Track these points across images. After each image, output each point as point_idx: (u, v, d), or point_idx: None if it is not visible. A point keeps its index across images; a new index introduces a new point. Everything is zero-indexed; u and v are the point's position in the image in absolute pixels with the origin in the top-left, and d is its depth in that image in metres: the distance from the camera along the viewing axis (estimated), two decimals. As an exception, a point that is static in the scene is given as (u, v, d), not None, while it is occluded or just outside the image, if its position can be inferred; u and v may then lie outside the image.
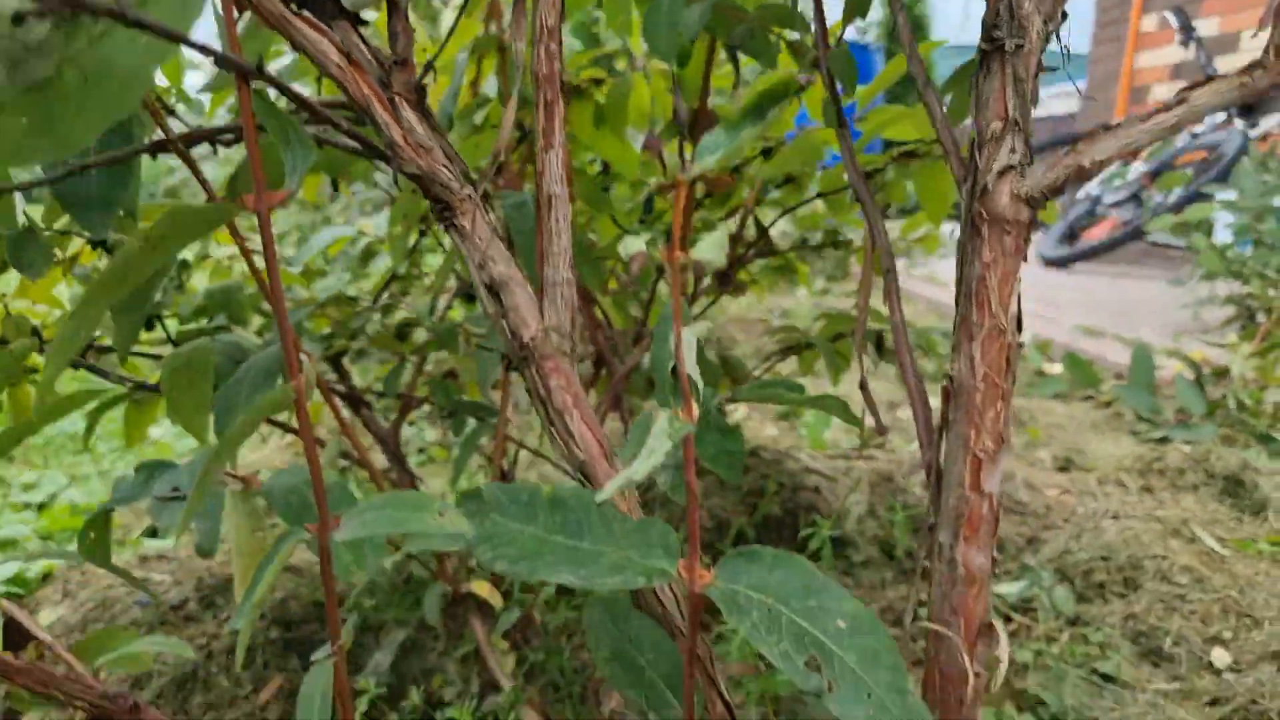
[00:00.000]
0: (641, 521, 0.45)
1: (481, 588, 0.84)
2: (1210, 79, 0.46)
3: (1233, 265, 2.35)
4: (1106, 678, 0.91)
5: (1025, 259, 0.48)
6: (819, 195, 1.11)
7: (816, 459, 1.53)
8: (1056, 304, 3.33)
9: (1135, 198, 4.08)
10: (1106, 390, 2.25)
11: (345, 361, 1.11)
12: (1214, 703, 0.86)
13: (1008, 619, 1.06)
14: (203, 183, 0.72)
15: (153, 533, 1.57)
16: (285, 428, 0.92)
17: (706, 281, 1.22)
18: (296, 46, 0.51)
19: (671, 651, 0.49)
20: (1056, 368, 2.56)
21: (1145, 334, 2.81)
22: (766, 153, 1.22)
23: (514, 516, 0.45)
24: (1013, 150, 0.47)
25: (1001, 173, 0.47)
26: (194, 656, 0.52)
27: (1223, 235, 2.54)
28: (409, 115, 0.54)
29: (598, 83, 1.08)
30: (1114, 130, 0.46)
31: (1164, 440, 1.79)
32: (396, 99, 0.54)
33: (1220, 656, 0.93)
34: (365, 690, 0.80)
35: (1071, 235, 4.42)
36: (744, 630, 0.40)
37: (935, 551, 0.50)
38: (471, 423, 1.01)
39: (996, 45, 0.47)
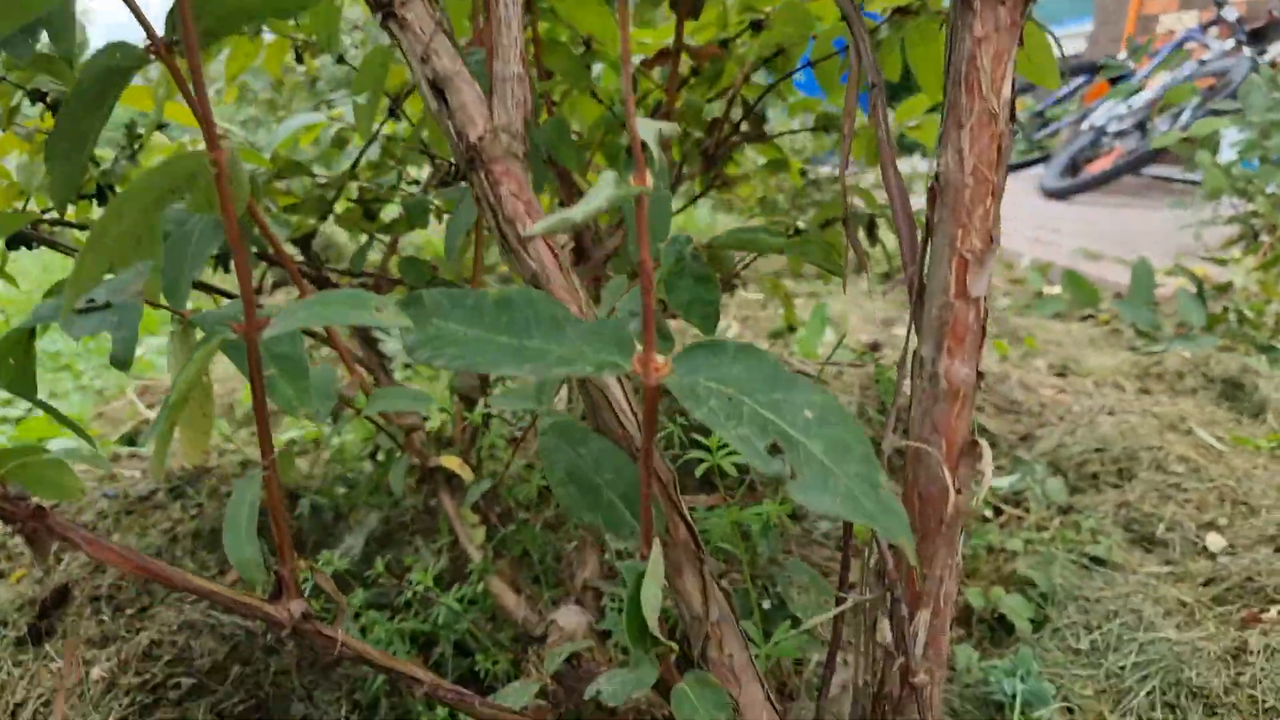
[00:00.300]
0: (596, 322, 0.41)
1: (451, 461, 0.80)
2: None
3: (1238, 183, 2.29)
4: (1097, 560, 0.89)
5: (1021, 42, 0.44)
6: (808, 64, 1.05)
7: (808, 364, 1.49)
8: (1058, 231, 3.27)
9: (1140, 127, 3.99)
10: (1106, 310, 2.21)
11: (314, 247, 1.06)
12: (1208, 583, 0.84)
13: (998, 511, 1.04)
14: (144, 24, 0.67)
15: (130, 440, 1.53)
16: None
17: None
18: None
19: (631, 472, 0.45)
20: (1056, 289, 2.52)
21: (1147, 254, 2.76)
22: (756, 26, 1.16)
23: (457, 320, 0.41)
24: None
25: None
26: (110, 469, 0.49)
27: (1228, 155, 2.47)
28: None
29: (579, -50, 1.02)
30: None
31: (1163, 353, 1.75)
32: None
33: (1215, 541, 0.91)
34: (330, 562, 0.77)
35: (1074, 168, 4.34)
36: (701, 415, 0.36)
37: (916, 368, 0.46)
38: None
39: None
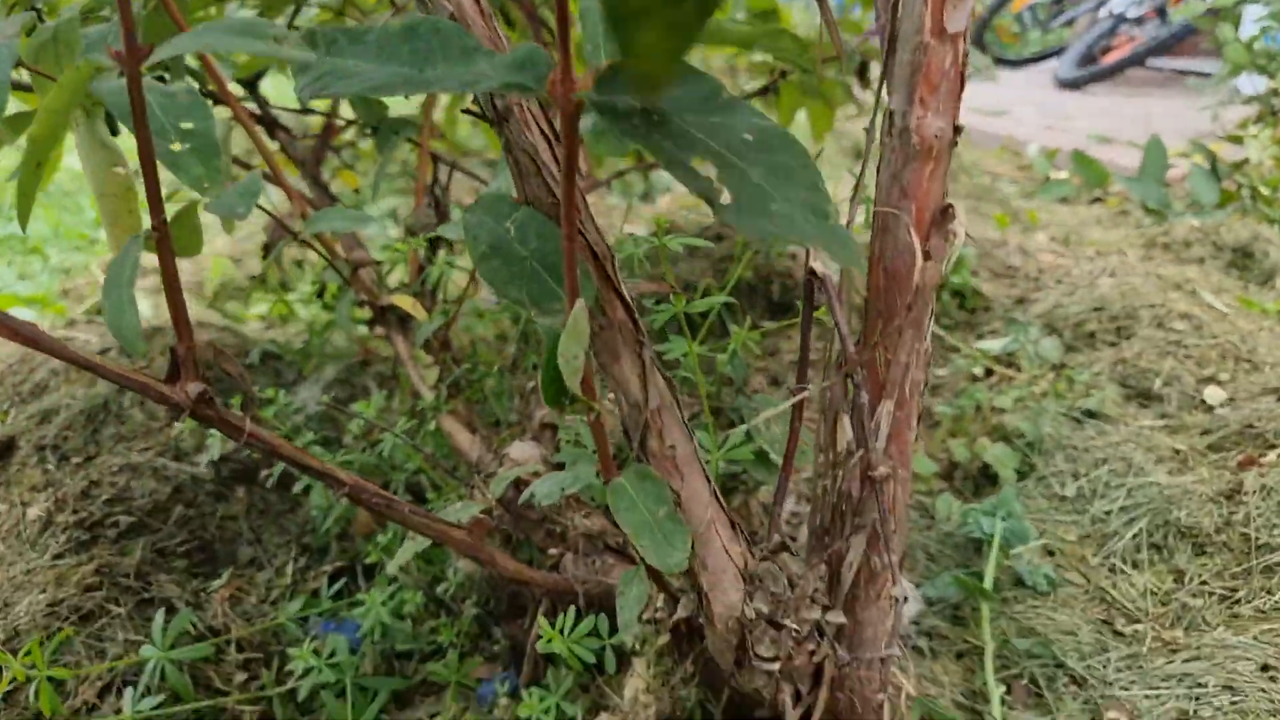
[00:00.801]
0: (510, 52, 0.35)
1: (403, 301, 0.76)
2: None
3: (1259, 59, 2.18)
4: (1090, 414, 0.85)
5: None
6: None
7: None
8: (1069, 117, 3.16)
9: (1161, 12, 3.81)
10: (1115, 193, 2.13)
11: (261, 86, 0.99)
12: (1205, 433, 0.80)
13: (989, 372, 0.99)
14: None
15: (97, 312, 1.47)
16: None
17: None
18: None
19: (558, 242, 0.40)
20: (1064, 175, 2.43)
21: (1163, 133, 2.65)
22: None
23: (356, 55, 0.36)
24: None
25: None
26: None
27: (1250, 31, 2.34)
28: None
29: None
30: None
31: (1167, 233, 1.68)
32: None
33: (1214, 394, 0.86)
34: (277, 403, 0.73)
35: (1090, 57, 4.17)
36: (623, 133, 0.31)
37: (886, 125, 0.41)
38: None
39: None
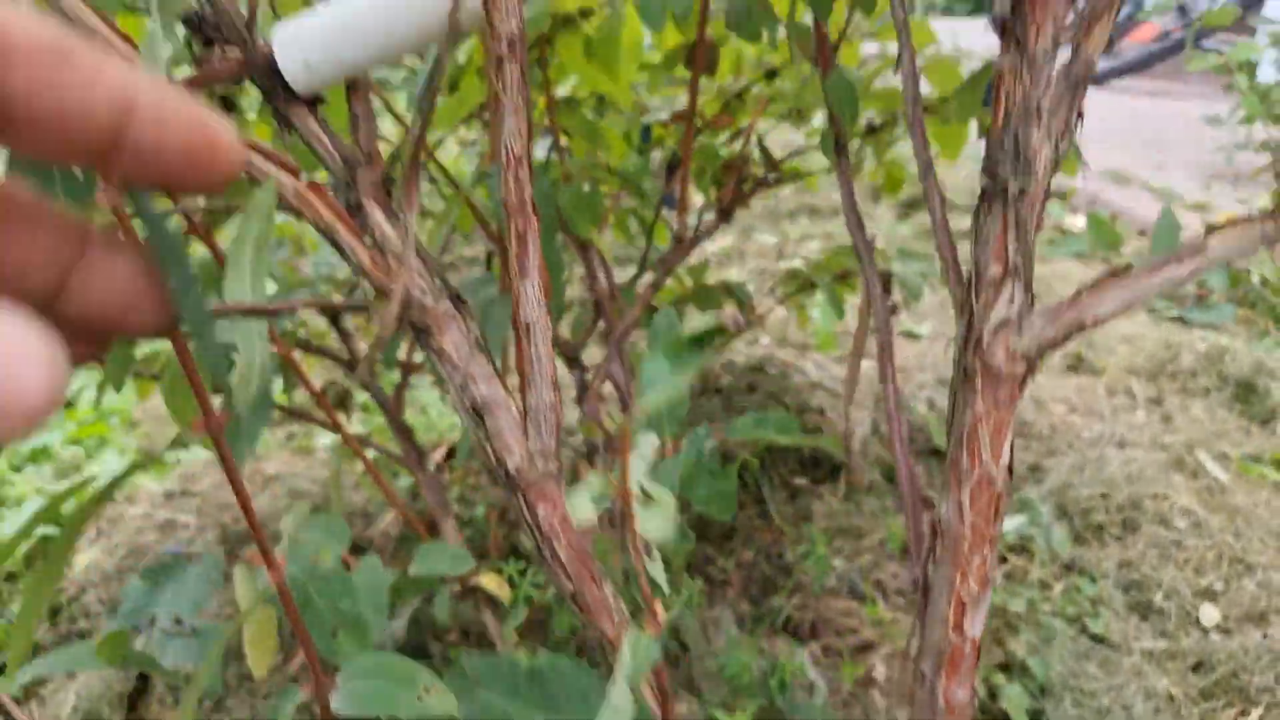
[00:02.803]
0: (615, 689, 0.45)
1: (490, 580, 0.86)
2: (1237, 222, 0.41)
3: (1275, 108, 2.20)
4: (1096, 639, 0.95)
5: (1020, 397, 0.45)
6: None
7: (824, 367, 1.52)
8: (1086, 134, 3.17)
9: (1181, 8, 3.78)
10: (1129, 251, 2.19)
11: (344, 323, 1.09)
12: (1198, 667, 0.90)
13: (1004, 559, 1.09)
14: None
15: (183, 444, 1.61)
16: (292, 412, 0.91)
17: (708, 216, 1.16)
18: (252, 177, 0.47)
19: None
20: (1079, 221, 2.48)
21: (1176, 176, 2.68)
22: (770, 74, 1.13)
23: (499, 691, 0.46)
24: (1011, 300, 0.42)
25: (998, 327, 0.43)
26: None
27: (1268, 74, 2.36)
28: (378, 218, 0.50)
29: (587, 14, 0.98)
30: (1122, 281, 0.42)
31: (1180, 321, 1.75)
32: (364, 201, 0.50)
33: (1209, 615, 0.96)
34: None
35: (1109, 41, 4.14)
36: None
37: (915, 676, 0.50)
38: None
39: (999, 185, 0.42)
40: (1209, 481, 1.15)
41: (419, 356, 1.11)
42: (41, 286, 0.25)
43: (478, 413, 0.51)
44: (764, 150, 1.15)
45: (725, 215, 1.14)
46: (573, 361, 1.11)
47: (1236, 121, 2.38)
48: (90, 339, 0.27)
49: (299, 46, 0.47)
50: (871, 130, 0.92)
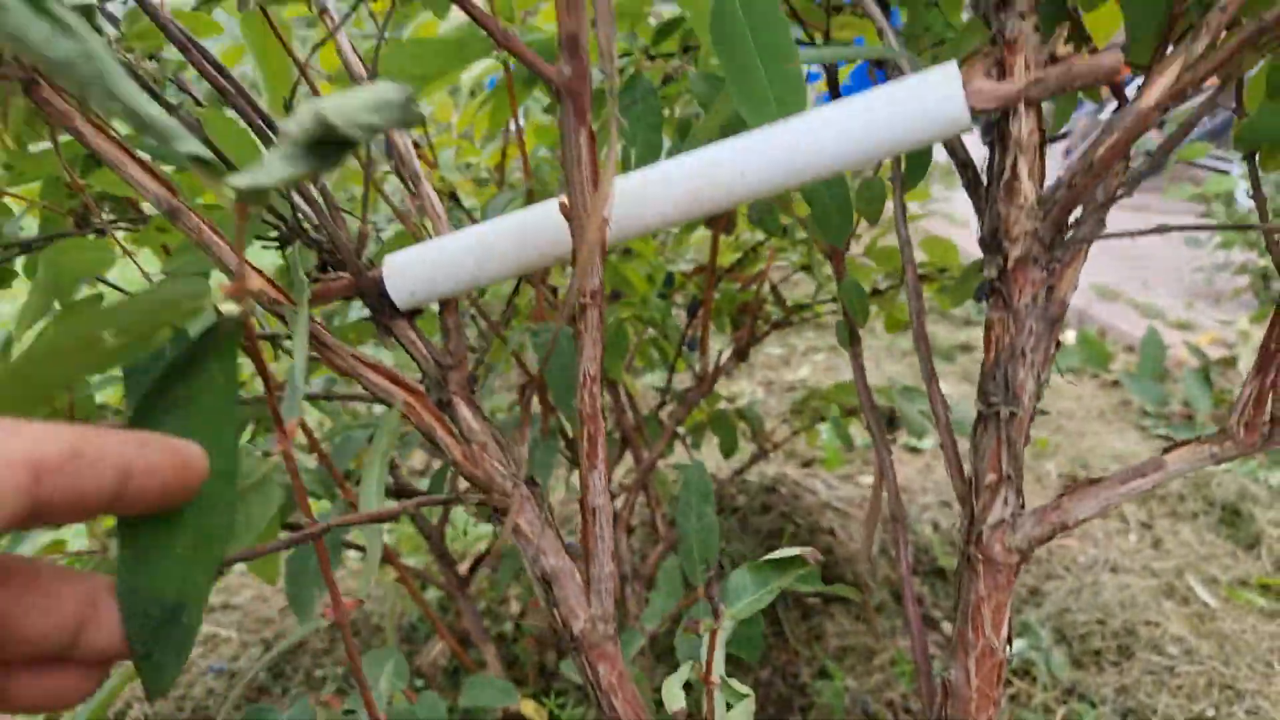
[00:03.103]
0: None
1: (526, 707, 0.93)
2: (1184, 443, 0.51)
3: (1250, 236, 2.35)
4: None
5: (1015, 578, 0.54)
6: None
7: (832, 486, 1.60)
8: (1073, 251, 3.32)
9: (1159, 124, 3.98)
10: (1118, 368, 2.29)
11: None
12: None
13: (1008, 683, 1.15)
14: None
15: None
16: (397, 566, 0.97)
17: (725, 355, 1.26)
18: (366, 387, 0.56)
19: None
20: (1069, 334, 2.59)
21: (1160, 293, 2.81)
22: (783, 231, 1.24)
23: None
24: (1005, 503, 0.51)
25: (995, 526, 0.52)
26: None
27: (1244, 198, 2.51)
28: (465, 414, 0.59)
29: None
30: (1096, 489, 0.51)
31: (1167, 439, 1.84)
32: (453, 399, 0.59)
33: (1201, 743, 1.02)
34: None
35: (1092, 161, 4.34)
36: None
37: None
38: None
39: (993, 411, 0.51)
40: (1199, 607, 1.22)
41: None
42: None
43: (546, 581, 0.60)
44: (777, 295, 1.26)
45: (742, 355, 1.24)
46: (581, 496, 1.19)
47: (1214, 246, 2.53)
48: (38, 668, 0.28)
49: (405, 277, 0.57)
50: (876, 292, 1.03)
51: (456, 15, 0.92)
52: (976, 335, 2.57)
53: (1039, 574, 1.32)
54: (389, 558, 0.93)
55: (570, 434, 1.12)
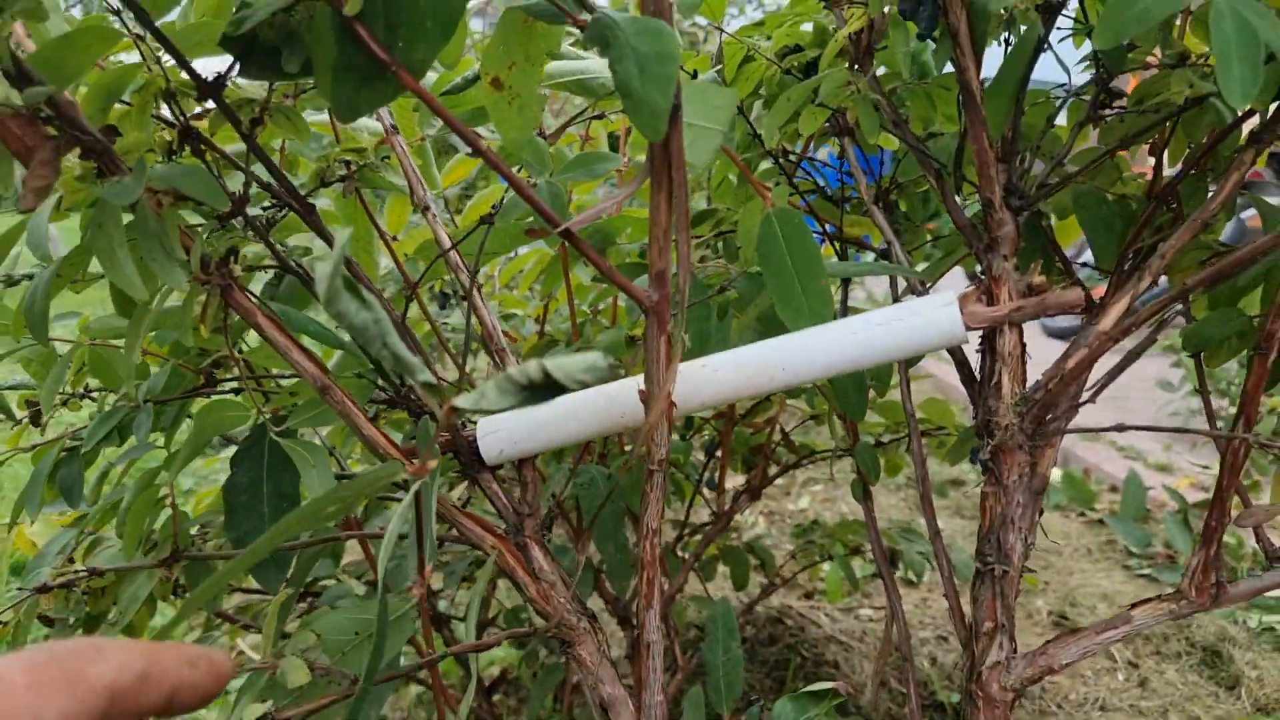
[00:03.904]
0: None
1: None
2: (1148, 600, 0.61)
3: (1220, 385, 2.49)
4: None
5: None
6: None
7: (836, 619, 1.67)
8: (1057, 390, 3.47)
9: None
10: (1102, 507, 2.39)
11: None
12: None
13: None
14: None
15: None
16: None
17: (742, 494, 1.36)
18: (461, 532, 0.66)
19: None
20: (1055, 472, 2.71)
21: (1140, 436, 2.94)
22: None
23: None
24: (1000, 648, 0.61)
25: (992, 667, 0.61)
26: None
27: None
28: (538, 555, 0.69)
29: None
30: (1077, 638, 0.61)
31: (1151, 579, 1.93)
32: (528, 542, 0.69)
33: None
34: None
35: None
36: None
37: None
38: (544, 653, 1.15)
39: (988, 569, 0.62)
40: (1183, 749, 1.29)
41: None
42: None
43: (603, 707, 0.69)
44: (787, 439, 1.38)
45: (755, 495, 1.34)
46: (625, 621, 1.27)
47: (1188, 391, 2.67)
48: None
49: (496, 438, 0.68)
50: (880, 444, 1.14)
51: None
52: (967, 470, 2.68)
53: (1033, 710, 1.39)
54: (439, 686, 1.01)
55: (595, 563, 1.20)
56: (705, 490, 1.35)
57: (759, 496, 1.35)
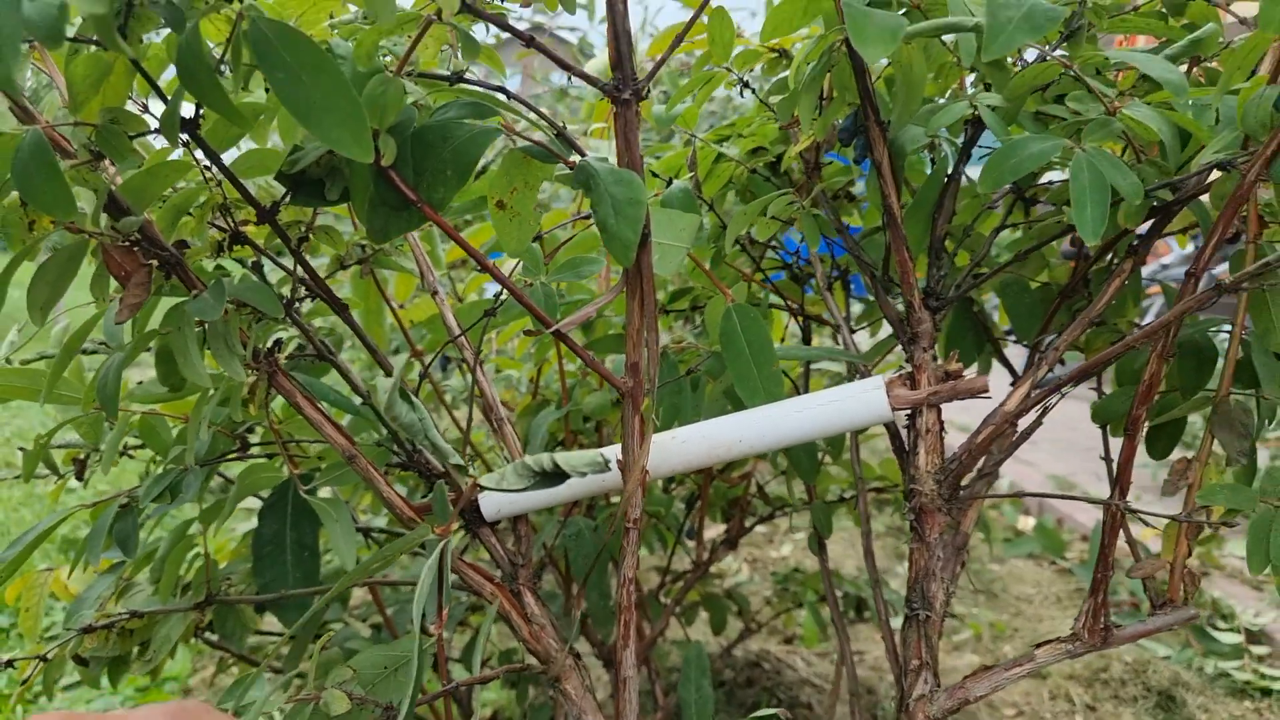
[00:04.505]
0: None
1: None
2: (1050, 641, 0.72)
3: (1186, 437, 2.61)
4: None
5: None
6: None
7: (811, 663, 1.76)
8: (1034, 442, 3.58)
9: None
10: (1073, 556, 2.49)
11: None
12: None
13: None
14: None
15: None
16: None
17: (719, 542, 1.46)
18: (464, 580, 0.76)
19: None
20: (1030, 521, 2.80)
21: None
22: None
23: None
24: (925, 682, 0.72)
25: (918, 699, 0.71)
26: None
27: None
28: (530, 601, 0.79)
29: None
30: (989, 674, 0.71)
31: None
32: (522, 589, 0.79)
33: None
34: None
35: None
36: None
37: None
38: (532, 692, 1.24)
39: (914, 614, 0.72)
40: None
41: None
42: None
43: (586, 740, 0.78)
44: (761, 492, 1.48)
45: (732, 545, 1.44)
46: (608, 664, 1.36)
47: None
48: None
49: (495, 499, 0.79)
50: (842, 500, 1.25)
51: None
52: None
53: (994, 752, 1.48)
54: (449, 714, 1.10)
55: (582, 611, 1.30)
56: (686, 540, 1.45)
57: (736, 546, 1.45)
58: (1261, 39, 0.59)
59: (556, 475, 0.47)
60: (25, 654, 0.86)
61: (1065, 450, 3.44)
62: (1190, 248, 4.19)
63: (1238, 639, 1.88)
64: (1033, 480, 3.07)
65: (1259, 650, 1.84)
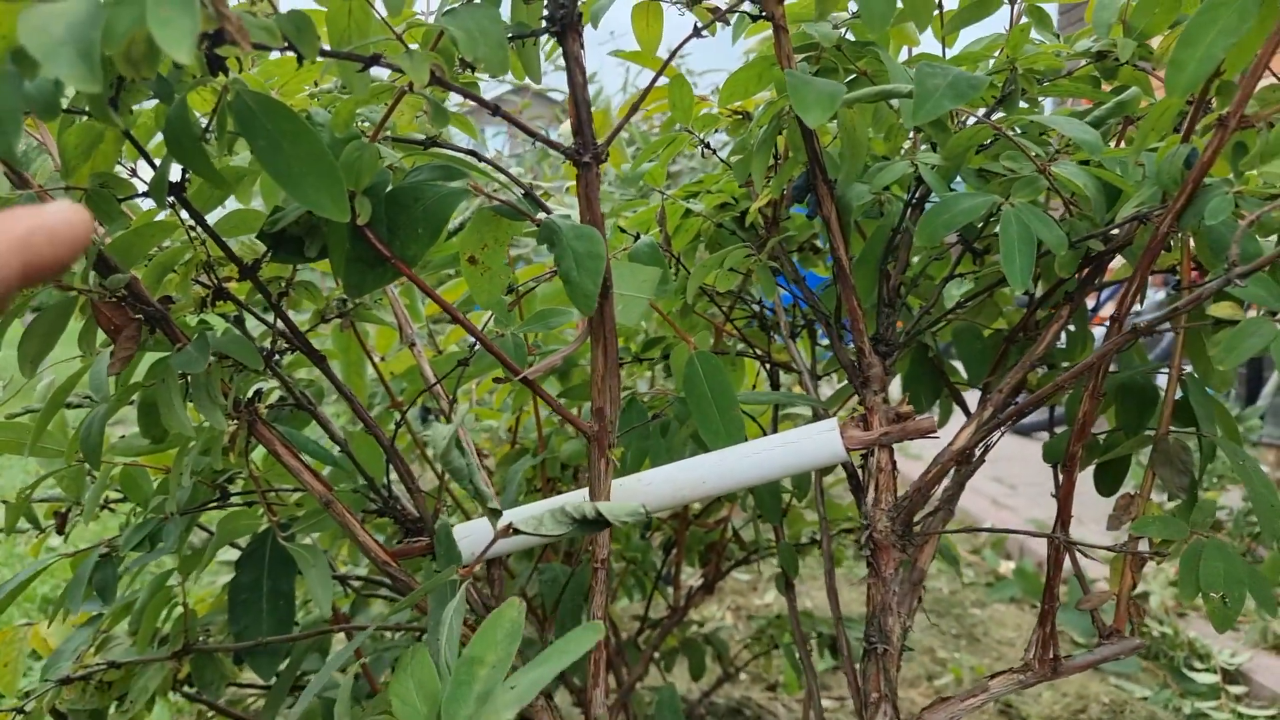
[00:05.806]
0: None
1: None
2: (1003, 672, 0.74)
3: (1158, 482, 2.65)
4: None
5: None
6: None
7: (793, 710, 1.76)
8: (1014, 486, 3.62)
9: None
10: (1053, 599, 2.51)
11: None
12: None
13: None
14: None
15: None
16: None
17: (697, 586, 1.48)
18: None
19: None
20: (1010, 565, 2.82)
21: (1090, 528, 3.07)
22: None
23: None
24: (884, 714, 0.74)
25: (879, 731, 0.74)
26: None
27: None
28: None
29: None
30: (945, 705, 0.74)
31: (1096, 670, 2.04)
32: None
33: None
34: None
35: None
36: None
37: None
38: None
39: (872, 646, 0.75)
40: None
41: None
42: None
43: (560, 773, 0.80)
44: (737, 536, 1.50)
45: (709, 589, 1.46)
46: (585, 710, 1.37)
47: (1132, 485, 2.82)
48: None
49: (469, 541, 0.81)
50: (814, 541, 1.28)
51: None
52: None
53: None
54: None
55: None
56: (665, 585, 1.47)
57: (713, 590, 1.46)
58: (1171, 103, 0.64)
59: (598, 523, 0.50)
60: (2, 709, 0.87)
61: (1041, 494, 3.48)
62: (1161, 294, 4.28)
63: (1214, 679, 1.90)
64: (1013, 521, 3.10)
65: (1236, 690, 1.86)
